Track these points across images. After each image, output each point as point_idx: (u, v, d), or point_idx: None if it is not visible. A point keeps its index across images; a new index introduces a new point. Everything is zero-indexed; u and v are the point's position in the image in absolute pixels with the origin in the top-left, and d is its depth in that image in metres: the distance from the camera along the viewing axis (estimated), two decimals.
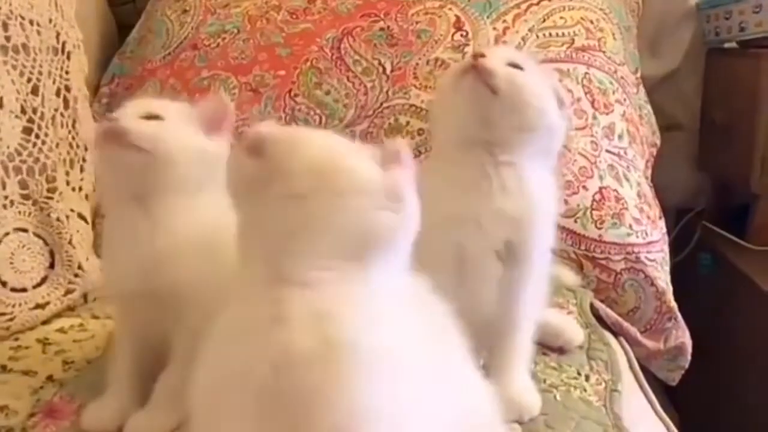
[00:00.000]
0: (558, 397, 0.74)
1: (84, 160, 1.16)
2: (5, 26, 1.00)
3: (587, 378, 0.79)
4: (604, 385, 0.78)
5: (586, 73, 1.18)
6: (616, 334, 1.00)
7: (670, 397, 1.26)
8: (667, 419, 0.83)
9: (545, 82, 0.70)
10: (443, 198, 0.66)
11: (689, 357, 1.10)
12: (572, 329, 0.86)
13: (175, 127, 0.65)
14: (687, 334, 1.09)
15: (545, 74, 0.72)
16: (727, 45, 1.47)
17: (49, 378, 0.81)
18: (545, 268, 0.74)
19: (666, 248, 1.12)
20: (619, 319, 1.04)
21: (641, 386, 0.88)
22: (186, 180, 0.65)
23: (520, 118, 0.67)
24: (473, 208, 0.66)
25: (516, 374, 0.71)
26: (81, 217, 1.11)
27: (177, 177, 0.65)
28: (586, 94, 1.15)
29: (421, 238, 0.54)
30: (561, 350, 0.84)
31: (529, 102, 0.66)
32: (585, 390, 0.76)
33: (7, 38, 1.00)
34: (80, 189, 1.13)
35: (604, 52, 1.22)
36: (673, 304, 1.08)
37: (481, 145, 0.68)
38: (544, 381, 0.77)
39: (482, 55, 0.67)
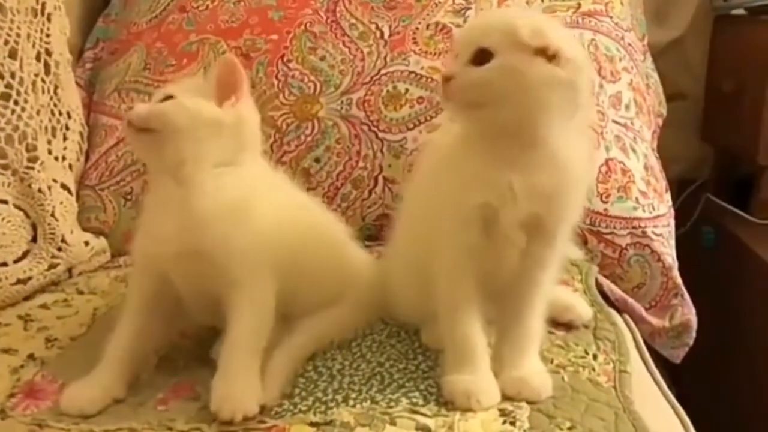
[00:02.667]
0: (566, 378, 0.71)
1: (67, 128, 1.11)
2: None
3: (595, 357, 0.76)
4: (612, 365, 0.75)
5: (593, 39, 1.13)
6: (620, 311, 0.97)
7: (670, 372, 1.24)
8: (674, 401, 0.80)
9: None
10: (479, 162, 0.66)
11: (694, 334, 1.07)
12: (581, 304, 0.84)
13: (183, 103, 0.70)
14: (693, 311, 1.06)
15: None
16: (735, 11, 1.43)
17: (31, 356, 0.78)
18: (564, 248, 0.73)
19: (672, 222, 1.09)
20: (624, 295, 1.01)
21: (647, 366, 0.85)
22: (205, 150, 0.70)
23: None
24: (507, 177, 0.65)
25: (529, 356, 0.69)
26: (64, 187, 1.06)
27: (192, 147, 0.70)
28: (592, 61, 1.10)
29: (452, 198, 0.67)
30: (568, 327, 0.81)
31: None
32: (594, 369, 0.73)
33: None
34: (63, 158, 1.09)
35: (611, 17, 1.17)
36: (679, 281, 1.05)
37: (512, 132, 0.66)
38: (552, 361, 0.74)
39: None
